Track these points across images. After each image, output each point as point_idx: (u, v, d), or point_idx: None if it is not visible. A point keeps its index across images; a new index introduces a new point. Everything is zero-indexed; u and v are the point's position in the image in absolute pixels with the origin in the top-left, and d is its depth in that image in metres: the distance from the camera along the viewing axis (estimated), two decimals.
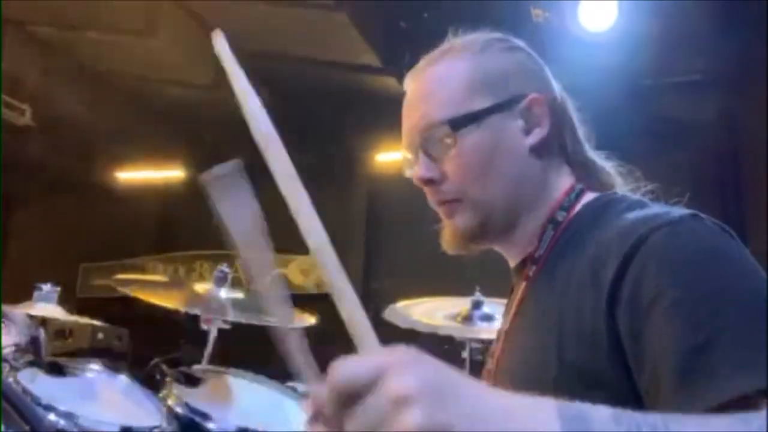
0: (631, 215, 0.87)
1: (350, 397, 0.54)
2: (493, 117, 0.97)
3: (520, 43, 1.07)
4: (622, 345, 0.80)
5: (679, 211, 0.86)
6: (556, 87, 1.05)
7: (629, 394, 0.78)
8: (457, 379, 0.56)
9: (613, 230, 0.86)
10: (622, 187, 1.03)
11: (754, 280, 0.78)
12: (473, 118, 0.97)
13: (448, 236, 1.02)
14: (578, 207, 0.98)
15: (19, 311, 2.99)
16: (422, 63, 1.05)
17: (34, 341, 2.10)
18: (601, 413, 0.58)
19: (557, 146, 1.01)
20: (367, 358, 0.59)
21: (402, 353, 0.56)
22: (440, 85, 1.01)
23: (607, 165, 1.04)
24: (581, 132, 1.05)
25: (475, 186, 0.98)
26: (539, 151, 0.98)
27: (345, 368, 0.56)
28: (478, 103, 0.97)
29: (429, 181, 1.01)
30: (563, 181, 1.00)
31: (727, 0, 4.21)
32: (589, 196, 0.99)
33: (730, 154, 5.22)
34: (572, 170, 1.03)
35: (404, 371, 0.53)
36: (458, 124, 0.97)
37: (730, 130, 5.10)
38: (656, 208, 0.88)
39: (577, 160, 1.03)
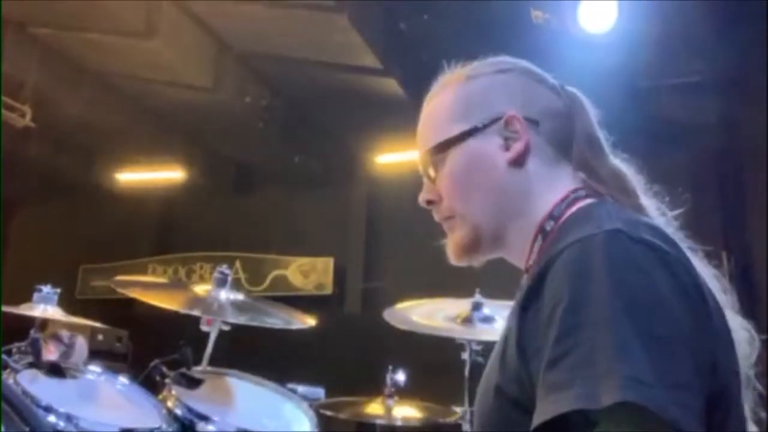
0: (575, 230, 0.91)
1: None
2: (471, 139, 1.06)
3: (513, 62, 1.13)
4: (530, 364, 0.85)
5: (607, 225, 0.88)
6: (555, 99, 1.09)
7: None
8: None
9: (554, 246, 0.92)
10: (638, 194, 1.05)
11: (614, 307, 0.79)
12: (452, 142, 1.07)
13: (450, 251, 1.11)
14: (566, 216, 1.01)
15: (81, 339, 3.02)
16: (426, 98, 1.16)
17: (33, 343, 2.10)
18: None
19: (548, 156, 1.05)
20: None
21: None
22: (430, 117, 1.13)
23: (628, 171, 1.06)
24: (598, 139, 1.08)
25: (459, 203, 1.07)
26: (519, 164, 1.04)
27: None
28: (457, 127, 1.07)
29: (429, 202, 1.12)
30: (558, 189, 1.03)
31: (726, 1, 4.22)
32: (579, 205, 1.01)
33: (730, 156, 5.22)
34: (578, 177, 1.05)
35: None
36: (441, 149, 1.08)
37: (729, 131, 5.10)
38: (593, 223, 0.90)
39: (588, 167, 1.05)
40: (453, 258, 1.10)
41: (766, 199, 4.04)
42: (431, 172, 1.09)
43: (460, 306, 2.68)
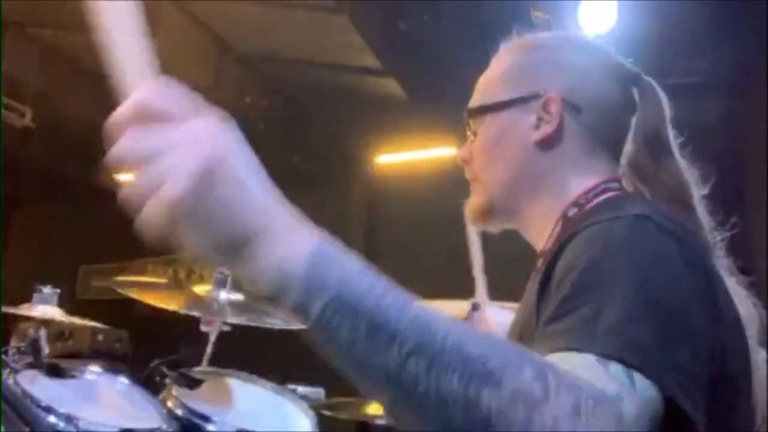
0: (598, 216, 0.89)
1: (148, 117, 0.60)
2: (507, 110, 1.05)
3: (583, 42, 1.12)
4: None
5: (635, 211, 0.86)
6: (612, 89, 1.07)
7: None
8: (240, 162, 0.62)
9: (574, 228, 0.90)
10: (695, 206, 1.04)
11: (639, 282, 0.76)
12: (489, 109, 1.07)
13: (467, 212, 1.13)
14: (591, 204, 1.00)
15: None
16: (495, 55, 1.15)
17: (33, 343, 2.10)
18: (353, 265, 0.68)
19: (583, 145, 1.03)
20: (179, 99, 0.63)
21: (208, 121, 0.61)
22: (486, 77, 1.12)
23: (691, 179, 1.05)
24: (662, 138, 1.05)
25: (482, 169, 1.08)
26: (547, 146, 1.03)
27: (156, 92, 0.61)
28: (500, 95, 1.07)
29: (463, 161, 1.12)
30: (587, 179, 1.02)
31: (727, 1, 4.22)
32: (607, 195, 1.00)
33: (731, 157, 5.21)
34: (617, 172, 1.03)
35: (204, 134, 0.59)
36: (478, 113, 1.08)
37: (730, 132, 5.10)
38: (620, 210, 0.88)
39: (638, 165, 1.03)
40: (469, 218, 1.12)
41: (766, 199, 4.04)
42: (471, 133, 1.10)
43: (460, 306, 2.67)
